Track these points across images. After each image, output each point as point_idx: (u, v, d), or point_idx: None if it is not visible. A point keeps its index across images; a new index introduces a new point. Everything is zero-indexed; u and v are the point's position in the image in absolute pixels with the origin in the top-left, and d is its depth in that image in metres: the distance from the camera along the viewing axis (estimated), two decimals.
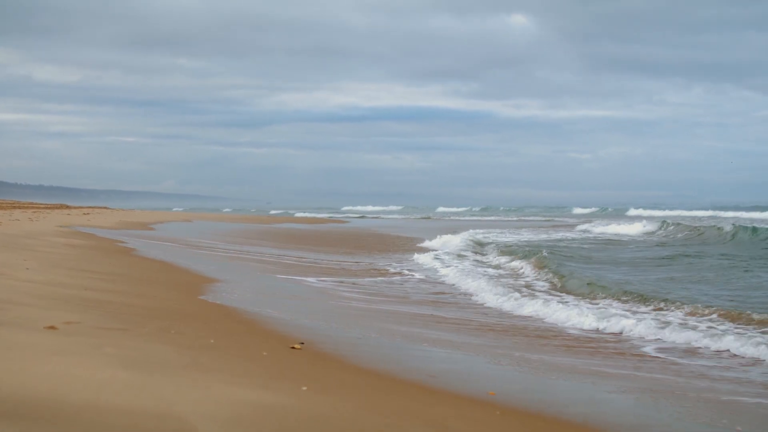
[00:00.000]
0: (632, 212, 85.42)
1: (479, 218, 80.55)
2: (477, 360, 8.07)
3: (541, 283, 16.87)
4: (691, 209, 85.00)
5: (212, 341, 7.02)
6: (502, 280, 17.42)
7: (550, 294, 15.05)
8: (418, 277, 17.99)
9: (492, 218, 79.91)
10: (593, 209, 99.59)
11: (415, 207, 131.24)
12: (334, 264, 20.56)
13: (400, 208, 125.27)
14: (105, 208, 66.83)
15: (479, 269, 19.72)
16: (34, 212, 38.60)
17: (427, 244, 29.57)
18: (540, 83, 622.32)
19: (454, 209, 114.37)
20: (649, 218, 53.45)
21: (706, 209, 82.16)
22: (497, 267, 20.75)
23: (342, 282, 15.94)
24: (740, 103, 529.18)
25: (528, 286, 16.45)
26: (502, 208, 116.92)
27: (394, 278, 17.51)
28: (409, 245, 29.76)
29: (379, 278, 17.32)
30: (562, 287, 16.02)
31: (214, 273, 15.24)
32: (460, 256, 23.39)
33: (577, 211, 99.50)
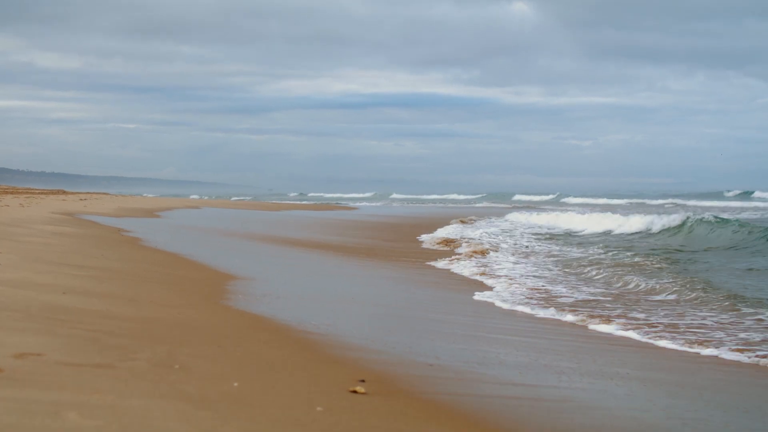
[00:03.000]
0: (569, 200, 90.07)
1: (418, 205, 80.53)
2: (633, 406, 5.62)
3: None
4: (659, 198, 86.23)
5: (236, 384, 4.66)
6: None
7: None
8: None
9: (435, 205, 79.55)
10: (542, 197, 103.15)
11: (378, 194, 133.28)
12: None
13: (368, 195, 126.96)
14: (104, 194, 64.39)
15: None
16: (27, 197, 36.20)
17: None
18: (541, 70, 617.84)
19: (407, 196, 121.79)
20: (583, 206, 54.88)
21: (686, 197, 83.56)
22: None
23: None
24: (742, 91, 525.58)
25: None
26: (454, 195, 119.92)
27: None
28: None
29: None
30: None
31: (242, 269, 12.86)
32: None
33: (518, 197, 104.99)
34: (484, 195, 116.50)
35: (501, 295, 12.00)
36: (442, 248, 21.02)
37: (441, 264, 16.64)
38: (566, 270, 15.76)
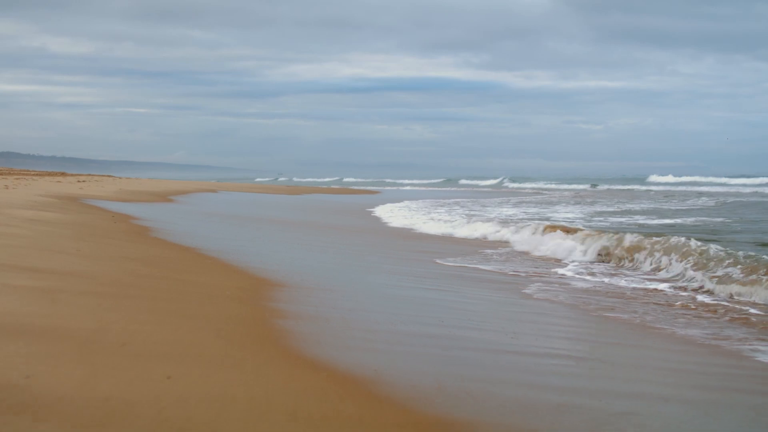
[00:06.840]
0: (509, 184, 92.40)
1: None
2: None
3: None
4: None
5: None
6: None
7: None
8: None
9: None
10: (487, 181, 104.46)
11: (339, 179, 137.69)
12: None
13: (327, 179, 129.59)
14: (107, 176, 60.75)
15: None
16: (18, 179, 32.64)
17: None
18: (550, 54, 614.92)
19: (360, 179, 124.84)
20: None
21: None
22: None
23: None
24: (751, 74, 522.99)
25: None
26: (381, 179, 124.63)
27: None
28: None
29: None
30: None
31: (284, 268, 9.33)
32: None
33: (464, 181, 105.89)
34: (443, 180, 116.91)
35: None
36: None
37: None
38: None
